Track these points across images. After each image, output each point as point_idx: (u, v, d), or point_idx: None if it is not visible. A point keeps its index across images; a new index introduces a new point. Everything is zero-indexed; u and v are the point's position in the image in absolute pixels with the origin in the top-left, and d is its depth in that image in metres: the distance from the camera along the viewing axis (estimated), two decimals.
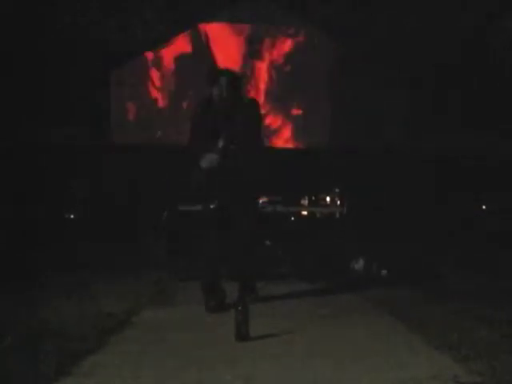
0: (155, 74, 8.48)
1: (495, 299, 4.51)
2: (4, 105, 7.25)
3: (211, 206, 4.22)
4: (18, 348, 3.07)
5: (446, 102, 8.10)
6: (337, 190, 6.37)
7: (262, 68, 8.58)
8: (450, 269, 5.90)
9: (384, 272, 5.73)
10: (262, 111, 4.74)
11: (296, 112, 8.65)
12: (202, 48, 8.42)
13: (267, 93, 8.51)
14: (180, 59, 8.48)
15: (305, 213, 6.32)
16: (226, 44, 8.47)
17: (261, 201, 6.08)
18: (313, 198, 6.31)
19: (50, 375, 2.74)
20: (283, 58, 8.57)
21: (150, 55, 8.42)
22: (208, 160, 4.17)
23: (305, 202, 6.27)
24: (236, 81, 4.27)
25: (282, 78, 8.62)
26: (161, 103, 8.56)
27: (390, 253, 6.19)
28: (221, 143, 4.11)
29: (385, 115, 8.11)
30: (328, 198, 6.28)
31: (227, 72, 4.35)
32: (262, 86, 8.53)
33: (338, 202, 6.14)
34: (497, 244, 6.84)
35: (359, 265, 5.80)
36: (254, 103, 4.48)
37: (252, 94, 7.97)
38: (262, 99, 8.22)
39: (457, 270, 5.89)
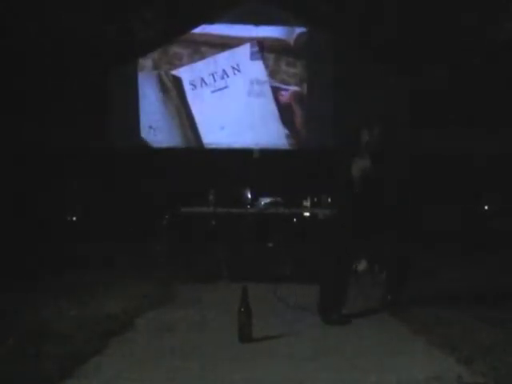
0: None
1: (496, 300, 4.50)
2: (6, 106, 7.25)
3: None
4: (20, 350, 3.07)
5: (446, 102, 8.09)
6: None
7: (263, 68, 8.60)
8: (451, 269, 5.89)
9: (385, 273, 5.70)
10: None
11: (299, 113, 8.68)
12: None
13: None
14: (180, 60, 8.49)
15: (307, 214, 6.28)
16: (227, 45, 8.49)
17: (263, 202, 6.07)
18: (315, 199, 6.28)
19: (52, 377, 2.74)
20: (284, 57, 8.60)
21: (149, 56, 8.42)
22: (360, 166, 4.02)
23: (307, 203, 6.23)
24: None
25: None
26: (162, 106, 8.56)
27: (391, 253, 6.15)
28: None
29: (385, 114, 8.10)
30: (329, 199, 6.25)
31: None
32: None
33: None
34: (497, 243, 6.83)
35: (361, 266, 5.77)
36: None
37: None
38: None
39: (457, 270, 5.88)
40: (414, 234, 4.67)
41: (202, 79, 8.50)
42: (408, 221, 4.49)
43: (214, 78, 8.52)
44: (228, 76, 8.53)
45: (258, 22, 8.41)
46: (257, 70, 8.58)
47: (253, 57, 8.53)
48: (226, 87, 8.51)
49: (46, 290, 4.73)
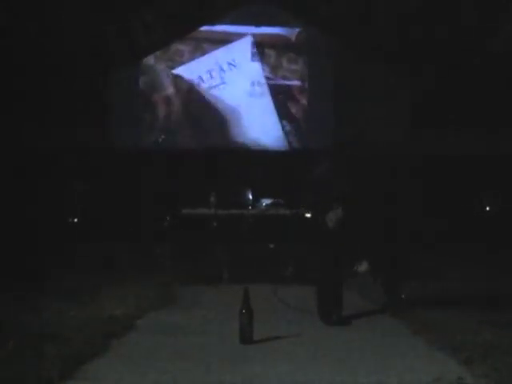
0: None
1: (497, 300, 4.50)
2: (6, 106, 7.25)
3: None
4: (21, 352, 3.06)
5: (446, 102, 8.09)
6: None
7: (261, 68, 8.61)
8: (451, 269, 5.89)
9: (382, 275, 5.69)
10: None
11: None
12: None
13: None
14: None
15: (308, 215, 6.28)
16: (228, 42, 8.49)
17: (263, 203, 6.07)
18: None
19: (53, 379, 2.73)
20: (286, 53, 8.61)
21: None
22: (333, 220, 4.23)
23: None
24: None
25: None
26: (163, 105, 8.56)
27: (390, 255, 6.16)
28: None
29: (385, 116, 8.10)
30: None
31: None
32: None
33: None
34: (497, 243, 6.83)
35: (362, 267, 5.76)
36: None
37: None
38: None
39: (457, 270, 5.87)
40: (409, 235, 4.72)
41: (201, 77, 8.51)
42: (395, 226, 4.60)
43: (211, 75, 8.52)
44: (226, 74, 8.54)
45: (258, 23, 8.42)
46: (257, 70, 8.58)
47: (253, 58, 8.54)
48: (224, 83, 8.51)
49: (46, 291, 4.72)
